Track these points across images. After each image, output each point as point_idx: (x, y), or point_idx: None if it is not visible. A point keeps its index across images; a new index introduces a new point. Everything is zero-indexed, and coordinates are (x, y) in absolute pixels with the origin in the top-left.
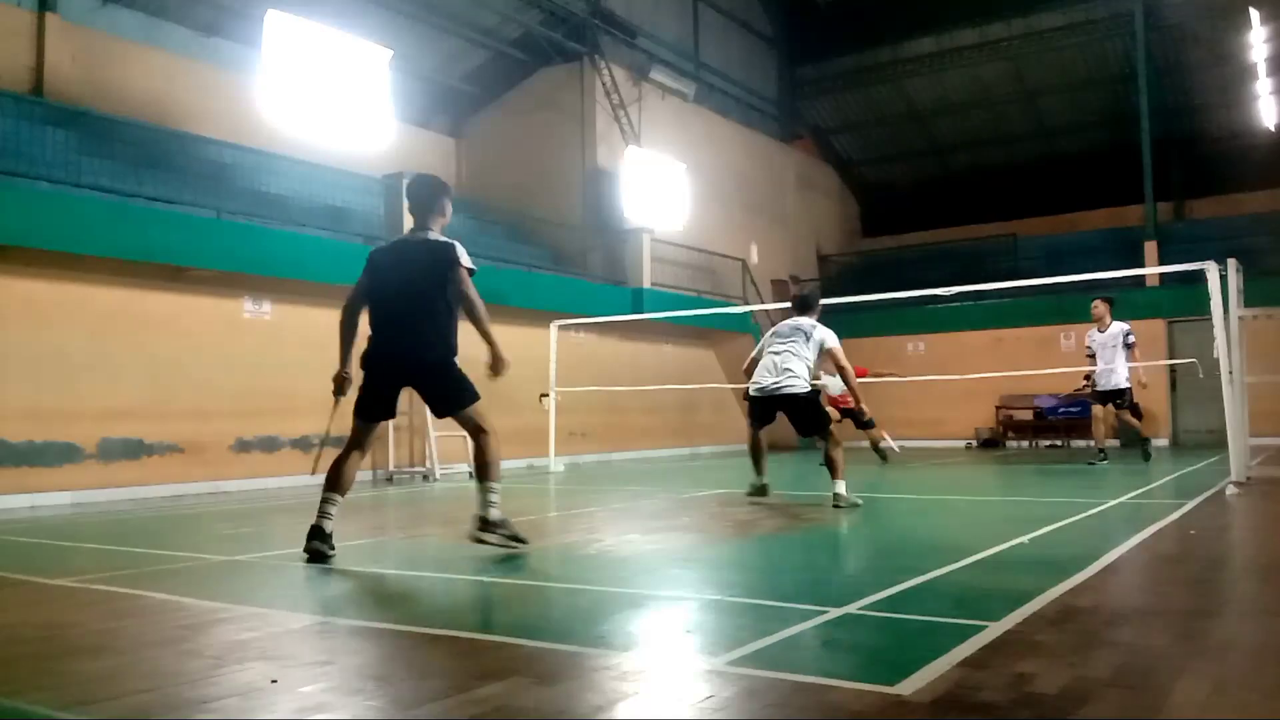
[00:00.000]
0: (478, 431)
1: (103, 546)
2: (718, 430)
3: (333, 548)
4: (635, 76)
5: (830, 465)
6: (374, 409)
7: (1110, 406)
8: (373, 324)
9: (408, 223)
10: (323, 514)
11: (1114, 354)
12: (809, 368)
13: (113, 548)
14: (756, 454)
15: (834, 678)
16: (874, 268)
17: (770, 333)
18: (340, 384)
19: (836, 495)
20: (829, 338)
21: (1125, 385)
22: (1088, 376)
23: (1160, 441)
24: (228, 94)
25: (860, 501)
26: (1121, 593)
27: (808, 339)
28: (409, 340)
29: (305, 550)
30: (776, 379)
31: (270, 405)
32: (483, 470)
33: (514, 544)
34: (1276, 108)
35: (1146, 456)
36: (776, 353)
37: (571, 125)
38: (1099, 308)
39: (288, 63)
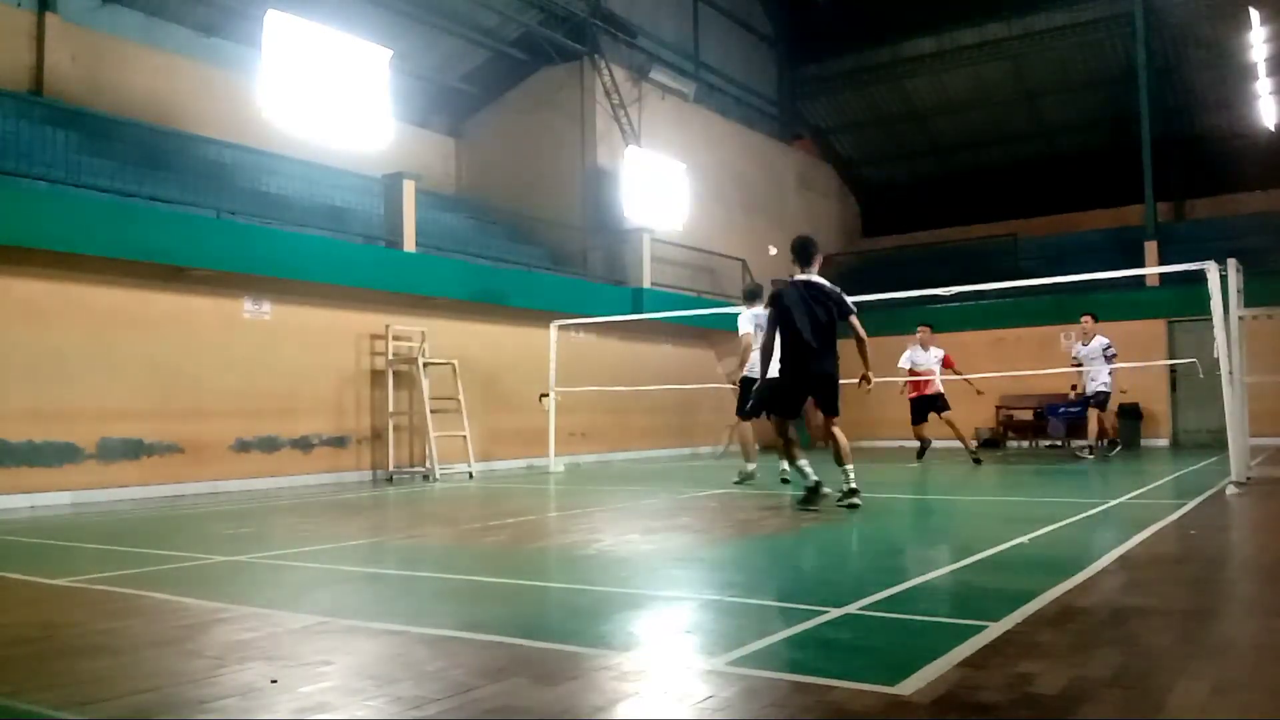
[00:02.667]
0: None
1: (103, 546)
2: (718, 430)
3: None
4: (635, 76)
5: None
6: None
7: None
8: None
9: None
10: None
11: (1096, 363)
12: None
13: (113, 548)
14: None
15: (834, 678)
16: (874, 268)
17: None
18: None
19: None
20: (743, 323)
21: (1103, 389)
22: (1074, 385)
23: (1160, 441)
24: (228, 94)
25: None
26: (1121, 593)
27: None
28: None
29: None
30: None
31: (270, 405)
32: (838, 456)
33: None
34: (1276, 108)
35: (1103, 457)
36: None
37: (571, 125)
38: (1088, 322)
39: (288, 63)
